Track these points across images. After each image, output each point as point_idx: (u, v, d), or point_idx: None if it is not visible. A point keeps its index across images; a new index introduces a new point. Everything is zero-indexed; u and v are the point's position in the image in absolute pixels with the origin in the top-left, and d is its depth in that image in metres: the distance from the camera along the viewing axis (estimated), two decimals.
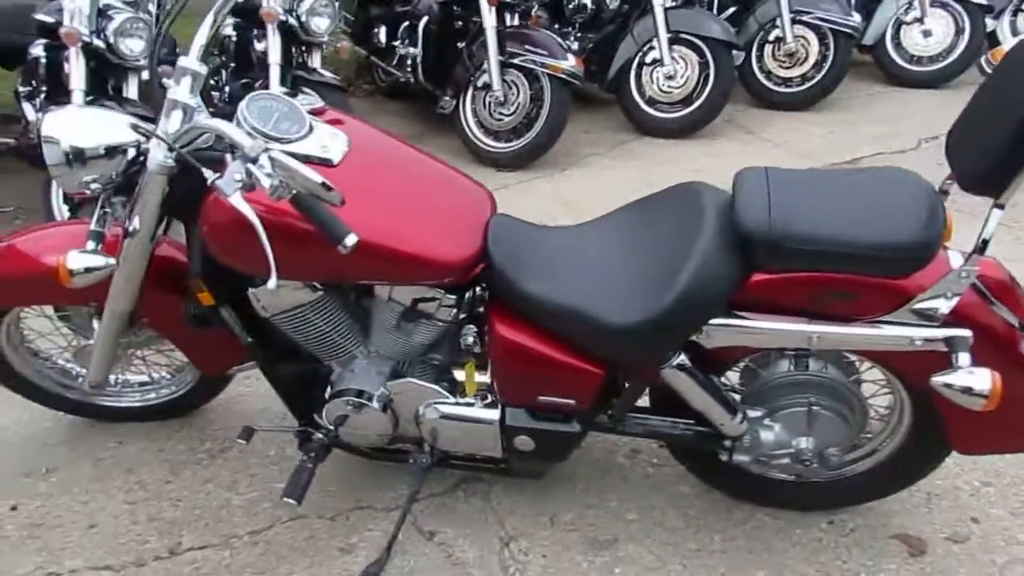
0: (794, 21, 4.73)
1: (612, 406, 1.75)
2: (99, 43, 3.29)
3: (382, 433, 1.87)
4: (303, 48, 3.80)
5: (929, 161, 4.14)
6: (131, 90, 3.44)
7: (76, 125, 1.66)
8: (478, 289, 1.73)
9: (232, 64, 4.17)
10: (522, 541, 1.93)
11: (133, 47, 3.31)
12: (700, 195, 1.64)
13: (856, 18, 4.72)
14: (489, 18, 4.01)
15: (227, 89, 4.17)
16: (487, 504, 2.03)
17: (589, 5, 4.82)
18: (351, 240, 1.37)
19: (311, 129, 1.62)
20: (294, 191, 1.36)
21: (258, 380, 2.21)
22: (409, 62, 4.43)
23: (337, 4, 3.78)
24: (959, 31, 5.11)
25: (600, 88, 4.80)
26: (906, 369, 1.58)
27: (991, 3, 5.08)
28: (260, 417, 2.38)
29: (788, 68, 4.91)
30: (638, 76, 4.58)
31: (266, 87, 3.82)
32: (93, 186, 1.70)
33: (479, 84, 4.18)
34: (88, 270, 1.68)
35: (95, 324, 2.11)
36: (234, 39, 4.10)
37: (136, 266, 1.77)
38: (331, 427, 1.87)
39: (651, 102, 4.60)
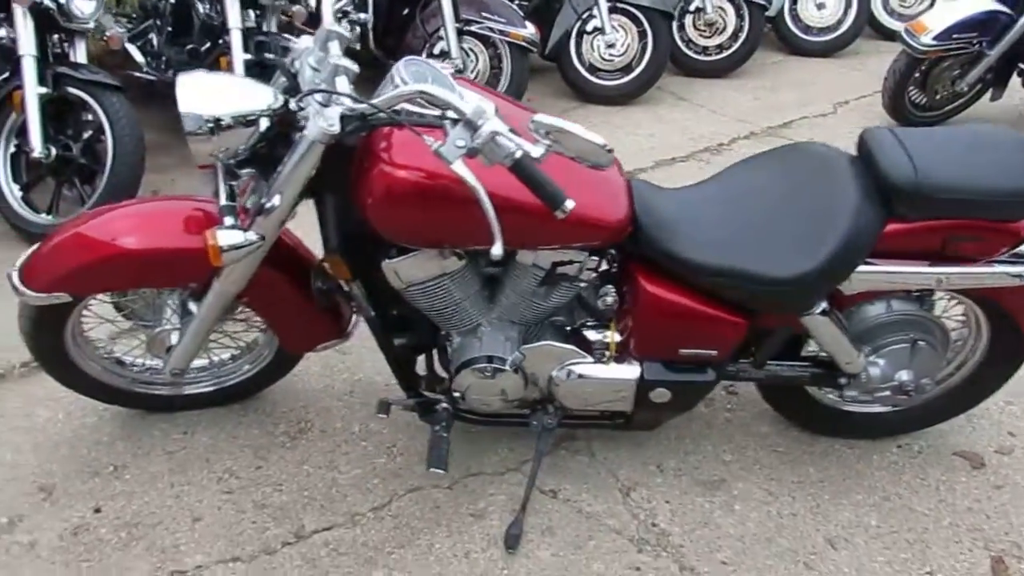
0: None
1: (750, 353, 1.87)
2: (49, 3, 2.98)
3: (513, 398, 1.89)
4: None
5: (849, 122, 4.57)
6: (79, 54, 3.19)
7: (213, 91, 1.55)
8: (612, 250, 1.79)
9: (169, 28, 3.87)
10: (641, 490, 2.03)
11: (84, 8, 3.09)
12: (824, 154, 1.79)
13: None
14: None
15: (164, 56, 3.87)
16: (594, 459, 2.11)
17: None
18: (570, 205, 1.39)
19: (461, 96, 1.60)
20: (518, 156, 1.36)
21: (307, 359, 2.19)
22: (358, 29, 4.28)
23: None
24: (848, 5, 5.59)
25: (539, 56, 4.86)
26: (1007, 302, 1.81)
27: None
28: (324, 395, 2.32)
29: (708, 37, 5.18)
30: (578, 44, 4.68)
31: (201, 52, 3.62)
32: (221, 158, 1.60)
33: (436, 52, 4.13)
34: (237, 247, 1.57)
35: (169, 309, 1.98)
36: (171, 1, 3.80)
37: (267, 244, 1.68)
38: (458, 395, 1.88)
39: (592, 70, 4.72)
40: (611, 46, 4.61)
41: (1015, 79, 4.22)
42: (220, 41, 3.66)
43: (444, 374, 1.98)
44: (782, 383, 2.00)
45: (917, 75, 4.18)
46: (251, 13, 3.55)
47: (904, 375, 1.92)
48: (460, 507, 1.96)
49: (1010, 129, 1.77)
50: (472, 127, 1.34)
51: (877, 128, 1.75)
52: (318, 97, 1.50)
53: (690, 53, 5.20)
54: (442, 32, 4.04)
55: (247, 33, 3.46)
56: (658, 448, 2.15)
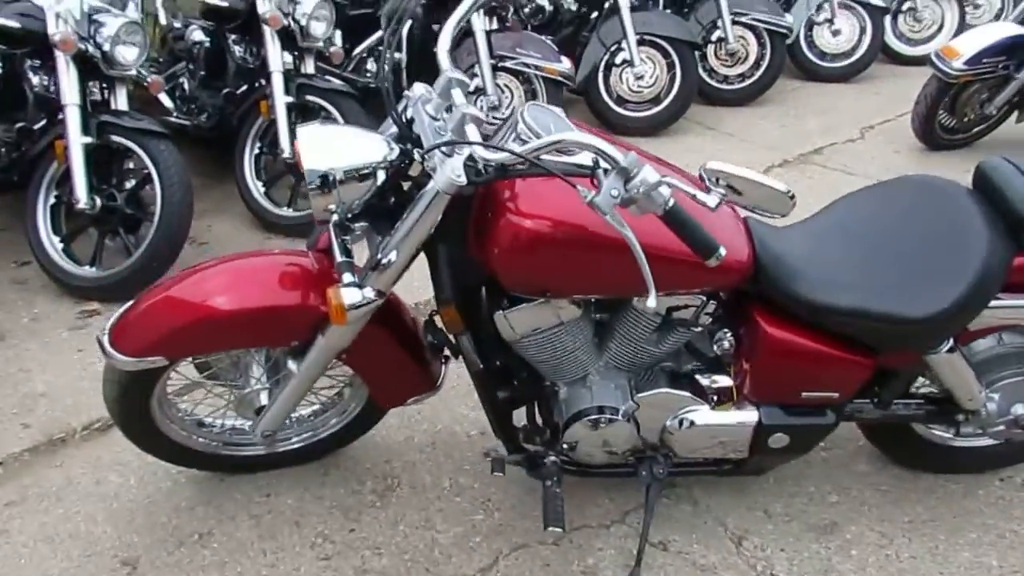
0: (733, 22, 5.02)
1: (876, 394, 1.82)
2: (93, 51, 2.94)
3: (625, 448, 1.83)
4: None
5: (878, 147, 4.58)
6: (120, 101, 3.11)
7: (331, 144, 1.50)
8: (722, 294, 1.74)
9: (202, 72, 3.82)
10: (752, 538, 1.96)
11: (128, 56, 3.03)
12: (939, 186, 1.76)
13: (789, 19, 5.09)
14: (479, 21, 3.94)
15: (197, 100, 3.82)
16: (698, 507, 2.04)
17: (547, 7, 4.86)
18: (723, 252, 1.34)
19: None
20: (670, 204, 1.31)
21: None
22: (388, 68, 4.24)
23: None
24: (863, 31, 5.64)
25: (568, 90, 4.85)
26: None
27: (887, 5, 5.66)
28: (406, 448, 2.24)
29: (730, 67, 5.20)
30: (606, 77, 4.68)
31: (237, 96, 3.57)
32: (338, 212, 1.54)
33: (470, 88, 4.08)
34: (359, 306, 1.50)
35: (256, 368, 1.90)
36: (207, 44, 3.76)
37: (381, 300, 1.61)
38: (567, 447, 1.81)
39: (620, 101, 4.71)
40: (640, 78, 4.61)
41: None
42: (257, 84, 3.63)
43: (543, 425, 1.91)
44: (896, 422, 1.95)
45: (947, 99, 4.19)
46: (287, 55, 3.50)
47: (1020, 408, 1.87)
48: (570, 564, 1.88)
49: None
50: (626, 176, 1.29)
51: (995, 159, 1.72)
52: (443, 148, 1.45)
53: (713, 83, 5.21)
54: (476, 69, 4.02)
55: (287, 75, 3.41)
56: (761, 492, 2.08)
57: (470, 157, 1.45)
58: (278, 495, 2.08)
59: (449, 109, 1.59)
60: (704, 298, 1.69)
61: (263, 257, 1.81)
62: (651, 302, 1.35)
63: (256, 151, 3.58)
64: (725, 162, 1.24)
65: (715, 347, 1.76)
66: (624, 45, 4.55)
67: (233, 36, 3.71)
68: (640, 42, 4.56)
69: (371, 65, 4.52)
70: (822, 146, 4.58)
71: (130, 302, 1.80)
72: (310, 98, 3.45)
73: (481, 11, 3.94)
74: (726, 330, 1.76)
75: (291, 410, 1.89)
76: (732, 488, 2.08)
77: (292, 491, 2.09)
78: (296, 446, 2.08)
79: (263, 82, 3.61)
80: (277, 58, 3.40)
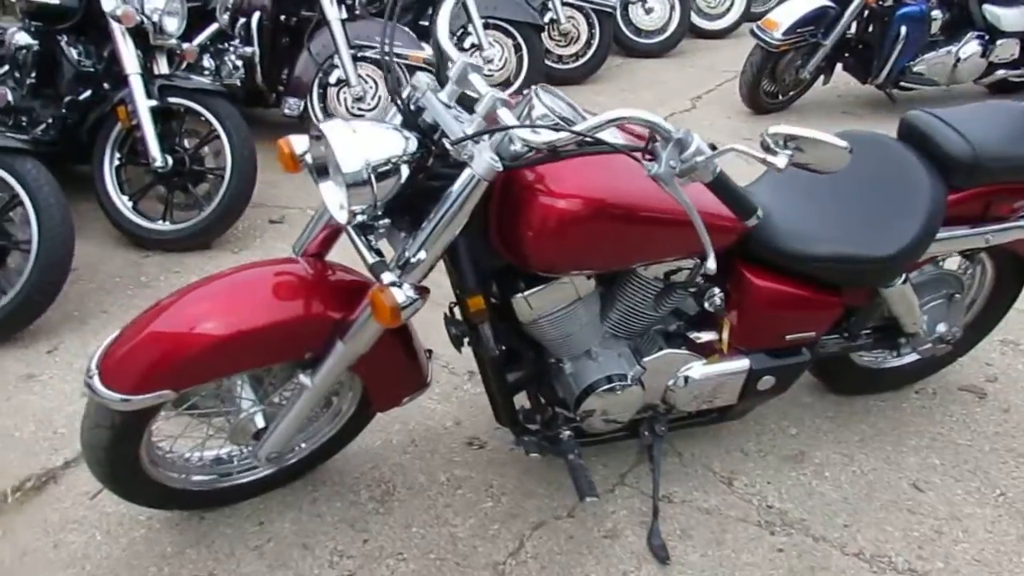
0: (562, 3, 5.22)
1: (845, 328, 2.03)
2: (148, 23, 3.13)
3: (633, 412, 1.91)
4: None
5: (711, 114, 4.99)
6: (163, 67, 3.29)
7: (361, 139, 1.43)
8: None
9: (31, 80, 3.38)
10: (740, 477, 2.12)
11: (171, 25, 3.22)
12: (875, 139, 1.99)
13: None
14: (332, 9, 3.81)
15: (30, 113, 3.38)
16: (684, 459, 2.17)
17: None
18: (761, 212, 1.46)
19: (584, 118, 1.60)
20: (718, 170, 1.39)
21: None
22: (240, 64, 3.99)
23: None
24: (672, 8, 6.08)
25: None
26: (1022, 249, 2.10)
27: None
28: (388, 451, 2.18)
29: (564, 47, 5.41)
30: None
31: (79, 102, 3.25)
32: (367, 211, 1.48)
33: (332, 81, 3.96)
34: (407, 305, 1.45)
35: (242, 391, 1.78)
36: (35, 48, 3.33)
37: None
38: (582, 420, 1.86)
39: None
40: (489, 61, 4.67)
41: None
42: (102, 89, 3.29)
43: (543, 403, 1.95)
44: (854, 351, 2.18)
45: (768, 67, 4.65)
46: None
47: (942, 327, 2.17)
48: (592, 532, 1.94)
49: (1014, 101, 2.06)
50: (682, 146, 1.35)
51: (917, 112, 1.98)
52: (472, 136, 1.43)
53: (549, 63, 5.39)
54: (336, 60, 3.89)
55: (145, 77, 3.12)
56: (731, 435, 2.25)
57: (503, 142, 1.45)
58: (272, 522, 1.95)
59: (461, 98, 1.57)
60: (698, 259, 1.80)
61: (255, 270, 1.68)
62: (711, 264, 1.43)
63: (117, 162, 3.24)
64: (782, 124, 1.34)
65: (707, 304, 1.88)
66: (471, 30, 4.59)
67: (66, 38, 3.32)
68: (486, 26, 4.62)
69: (207, 62, 4.21)
70: (663, 116, 4.88)
71: (111, 337, 1.61)
72: (174, 100, 3.18)
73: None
74: (716, 288, 1.88)
75: (303, 426, 1.78)
76: (706, 437, 2.24)
77: (286, 514, 1.96)
78: (291, 461, 1.96)
79: (106, 86, 3.31)
80: (132, 59, 3.11)
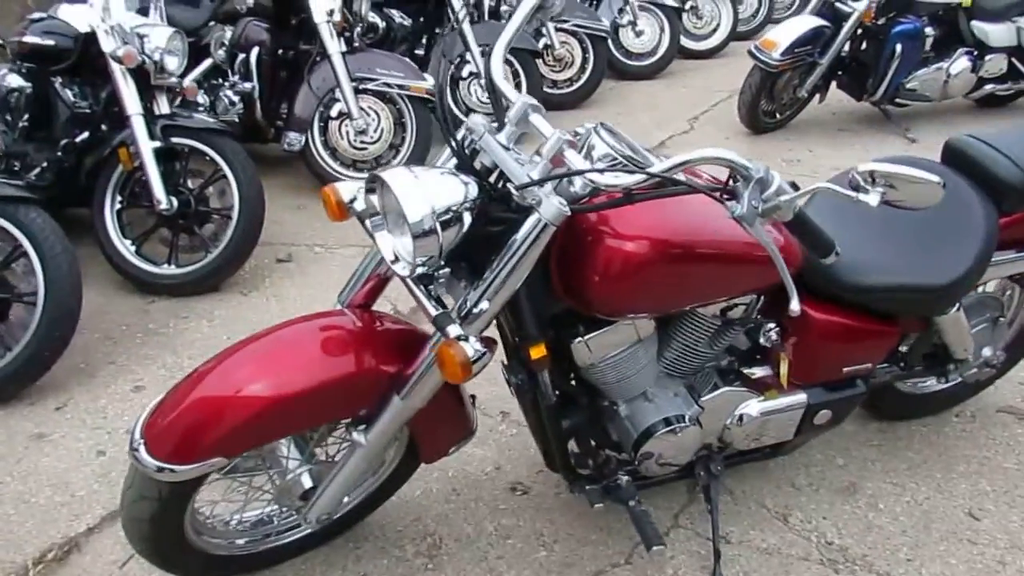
0: (556, 29, 5.21)
1: (901, 358, 1.99)
2: (149, 63, 3.02)
3: (691, 453, 1.85)
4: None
5: (710, 135, 4.98)
6: (163, 106, 3.15)
7: (423, 186, 1.37)
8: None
9: (23, 123, 3.27)
10: (796, 513, 2.07)
11: (172, 64, 3.10)
12: (920, 164, 1.95)
13: (606, 23, 5.37)
14: (332, 43, 3.75)
15: (24, 158, 3.27)
16: (736, 496, 2.12)
17: (380, 25, 4.73)
18: (839, 249, 1.41)
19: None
20: (797, 208, 1.35)
21: None
22: (238, 100, 3.91)
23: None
24: (662, 30, 6.11)
25: None
26: None
27: (680, 5, 6.17)
28: (429, 501, 2.10)
29: (559, 72, 5.39)
30: (453, 90, 4.67)
31: (76, 145, 3.16)
32: (429, 262, 1.42)
33: (333, 115, 3.89)
34: (477, 359, 1.38)
35: (290, 450, 1.70)
36: (27, 91, 3.23)
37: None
38: (640, 463, 1.80)
39: (468, 114, 4.69)
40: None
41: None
42: (100, 130, 3.20)
43: (595, 447, 1.88)
44: (900, 379, 2.14)
45: (766, 87, 4.66)
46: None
47: (987, 350, 2.14)
48: None
49: None
50: (763, 186, 1.31)
51: (960, 136, 1.96)
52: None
53: (545, 89, 5.35)
54: (337, 93, 3.82)
55: (147, 117, 3.03)
56: (779, 469, 2.20)
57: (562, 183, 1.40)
58: None
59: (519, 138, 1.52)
60: (755, 295, 1.75)
61: (302, 325, 1.60)
62: (794, 305, 1.38)
63: (118, 206, 3.15)
64: (871, 161, 1.30)
65: (762, 339, 1.83)
66: (468, 58, 4.56)
67: (60, 79, 3.23)
68: (483, 54, 4.58)
69: (202, 98, 4.13)
70: (663, 139, 4.90)
71: (153, 404, 1.52)
72: (177, 140, 3.09)
73: (334, 32, 3.76)
74: (772, 323, 1.83)
75: (357, 484, 1.69)
76: (754, 472, 2.18)
77: (330, 574, 1.87)
78: (336, 517, 1.86)
79: (104, 127, 3.23)
80: (135, 100, 3.02)
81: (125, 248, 3.15)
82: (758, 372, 1.87)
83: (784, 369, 1.85)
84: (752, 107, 4.69)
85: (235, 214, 3.10)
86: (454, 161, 1.57)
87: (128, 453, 1.47)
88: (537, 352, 1.58)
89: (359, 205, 1.61)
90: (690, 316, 1.72)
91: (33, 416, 2.46)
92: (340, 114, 3.88)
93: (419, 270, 1.43)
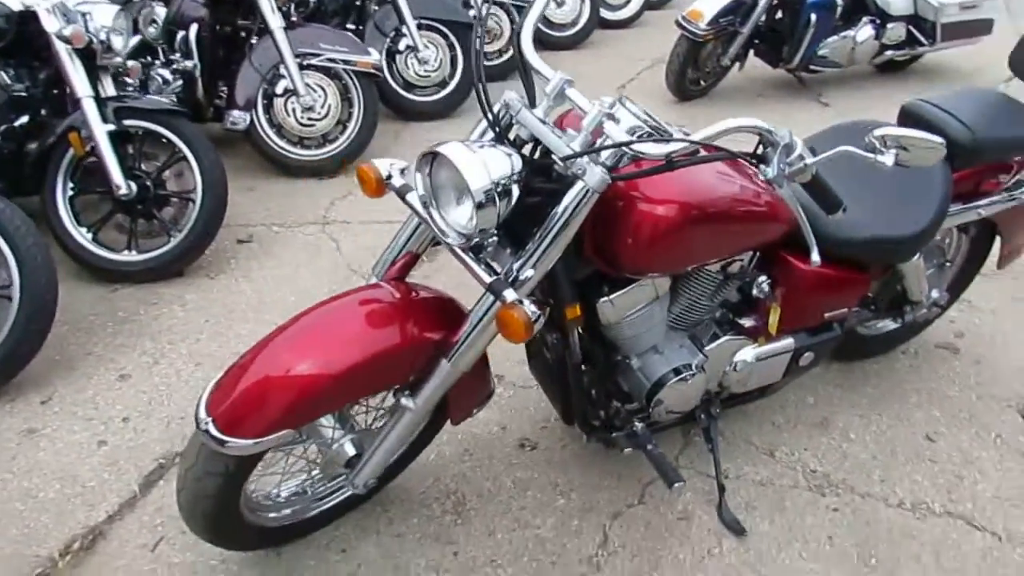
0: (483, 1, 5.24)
1: (871, 302, 2.21)
2: (96, 42, 2.91)
3: (697, 399, 2.01)
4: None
5: (639, 103, 5.14)
6: (109, 88, 3.04)
7: (479, 158, 1.45)
8: None
9: None
10: (781, 448, 2.28)
11: (119, 44, 3.02)
12: (877, 127, 2.16)
13: (471, 13, 5.24)
14: (273, 17, 3.70)
15: None
16: (726, 438, 2.31)
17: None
18: (846, 206, 1.59)
19: None
20: (815, 170, 1.51)
21: None
22: (172, 79, 3.79)
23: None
24: (582, 1, 6.23)
25: None
26: (999, 218, 2.35)
27: None
28: (445, 463, 2.20)
29: (489, 43, 5.45)
30: (391, 64, 4.65)
31: (15, 131, 3.04)
32: (486, 232, 1.51)
33: (279, 92, 3.84)
34: (537, 319, 1.48)
35: (326, 420, 1.76)
36: None
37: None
38: (654, 411, 1.95)
39: (408, 87, 4.72)
40: (425, 62, 4.66)
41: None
42: (40, 114, 3.07)
43: (607, 399, 2.02)
44: (870, 321, 2.37)
45: (692, 56, 4.87)
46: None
47: (936, 292, 2.40)
48: (666, 516, 2.04)
49: (994, 89, 2.30)
50: (789, 151, 1.45)
51: (917, 101, 2.18)
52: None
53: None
54: (281, 70, 3.78)
55: (99, 100, 2.94)
56: (758, 411, 2.41)
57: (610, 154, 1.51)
58: (354, 548, 1.93)
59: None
60: (752, 252, 1.93)
61: (346, 299, 1.66)
62: (815, 256, 1.55)
63: (70, 192, 3.04)
64: (882, 126, 1.46)
65: (755, 291, 2.00)
66: (405, 31, 4.56)
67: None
68: (419, 27, 4.60)
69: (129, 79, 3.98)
70: None
71: (211, 385, 1.55)
72: (131, 123, 3.01)
73: (274, 7, 3.70)
74: (762, 276, 2.01)
75: (400, 448, 1.77)
76: (738, 414, 2.38)
77: (367, 539, 1.96)
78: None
79: (44, 112, 3.10)
80: (84, 82, 2.90)
81: (82, 236, 3.05)
82: (749, 322, 2.05)
83: (775, 317, 2.04)
84: (679, 75, 4.90)
85: (198, 197, 3.05)
86: (490, 135, 1.64)
87: (197, 433, 1.50)
88: (572, 313, 1.70)
89: (397, 181, 1.68)
90: (697, 273, 1.88)
91: (18, 412, 2.40)
92: (286, 91, 3.84)
93: (474, 240, 1.51)
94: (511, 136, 1.65)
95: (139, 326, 2.82)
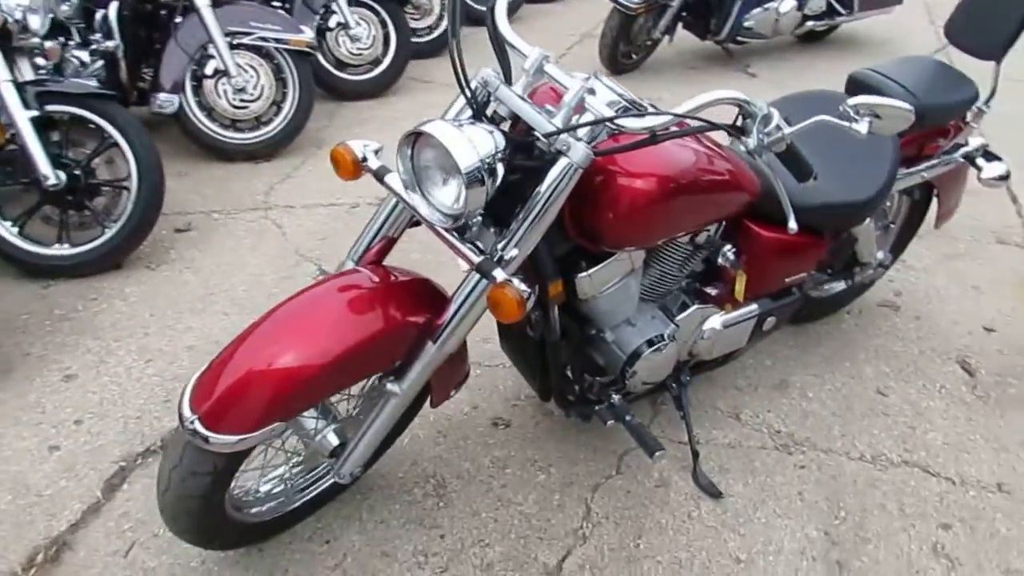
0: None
1: (827, 265, 2.28)
2: (11, 21, 2.76)
3: (670, 368, 2.05)
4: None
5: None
6: (25, 72, 2.89)
7: (465, 136, 1.43)
8: None
9: None
10: (745, 410, 2.35)
11: (36, 23, 2.87)
12: (828, 96, 2.24)
13: None
14: None
15: None
16: (691, 405, 2.35)
17: None
18: (817, 173, 1.63)
19: None
20: (790, 140, 1.54)
21: None
22: (91, 61, 3.58)
23: None
24: None
25: None
26: (937, 180, 2.46)
27: None
28: (420, 447, 2.18)
29: (419, 20, 5.36)
30: (321, 42, 4.52)
31: None
32: (472, 212, 1.49)
33: (209, 72, 3.69)
34: (529, 296, 1.48)
35: (307, 414, 1.72)
36: None
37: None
38: (628, 381, 1.98)
39: (340, 66, 4.61)
40: (357, 40, 4.55)
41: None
42: None
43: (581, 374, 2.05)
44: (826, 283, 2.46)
45: (624, 30, 4.91)
46: None
47: (881, 254, 2.51)
48: (644, 484, 2.08)
49: (931, 56, 2.40)
50: (767, 122, 1.49)
51: (863, 70, 2.25)
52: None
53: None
54: (210, 49, 3.63)
55: (17, 85, 2.76)
56: (720, 376, 2.48)
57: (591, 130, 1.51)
58: (338, 538, 1.90)
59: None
60: (718, 222, 1.97)
61: (326, 286, 1.61)
62: (792, 223, 1.59)
63: None
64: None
65: (721, 259, 2.05)
66: (335, 8, 4.44)
67: None
68: (350, 3, 4.49)
69: (41, 60, 3.75)
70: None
71: (192, 383, 1.48)
72: (55, 108, 2.84)
73: None
74: (727, 245, 2.06)
75: (385, 435, 1.74)
76: (703, 381, 2.44)
77: (350, 528, 1.93)
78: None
79: None
80: (1, 65, 2.73)
81: (6, 231, 2.87)
82: (715, 290, 2.09)
83: (741, 285, 2.09)
84: (613, 49, 4.93)
85: (133, 184, 2.92)
86: (468, 112, 1.62)
87: (181, 432, 1.44)
88: (555, 289, 1.70)
89: (373, 163, 1.64)
90: (669, 244, 1.91)
91: None
92: (216, 72, 3.69)
93: (460, 221, 1.49)
94: (488, 113, 1.63)
95: (79, 323, 2.69)
